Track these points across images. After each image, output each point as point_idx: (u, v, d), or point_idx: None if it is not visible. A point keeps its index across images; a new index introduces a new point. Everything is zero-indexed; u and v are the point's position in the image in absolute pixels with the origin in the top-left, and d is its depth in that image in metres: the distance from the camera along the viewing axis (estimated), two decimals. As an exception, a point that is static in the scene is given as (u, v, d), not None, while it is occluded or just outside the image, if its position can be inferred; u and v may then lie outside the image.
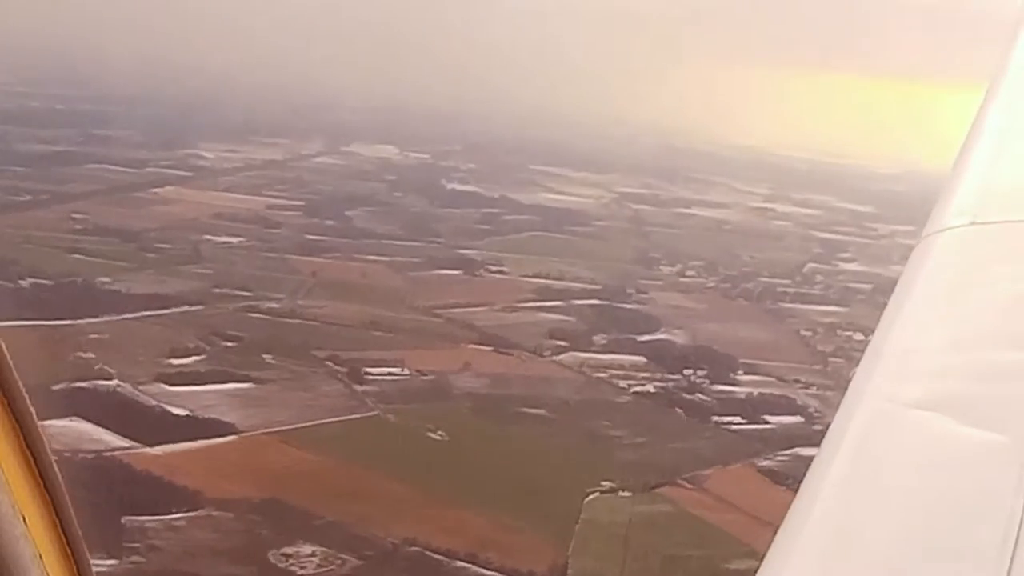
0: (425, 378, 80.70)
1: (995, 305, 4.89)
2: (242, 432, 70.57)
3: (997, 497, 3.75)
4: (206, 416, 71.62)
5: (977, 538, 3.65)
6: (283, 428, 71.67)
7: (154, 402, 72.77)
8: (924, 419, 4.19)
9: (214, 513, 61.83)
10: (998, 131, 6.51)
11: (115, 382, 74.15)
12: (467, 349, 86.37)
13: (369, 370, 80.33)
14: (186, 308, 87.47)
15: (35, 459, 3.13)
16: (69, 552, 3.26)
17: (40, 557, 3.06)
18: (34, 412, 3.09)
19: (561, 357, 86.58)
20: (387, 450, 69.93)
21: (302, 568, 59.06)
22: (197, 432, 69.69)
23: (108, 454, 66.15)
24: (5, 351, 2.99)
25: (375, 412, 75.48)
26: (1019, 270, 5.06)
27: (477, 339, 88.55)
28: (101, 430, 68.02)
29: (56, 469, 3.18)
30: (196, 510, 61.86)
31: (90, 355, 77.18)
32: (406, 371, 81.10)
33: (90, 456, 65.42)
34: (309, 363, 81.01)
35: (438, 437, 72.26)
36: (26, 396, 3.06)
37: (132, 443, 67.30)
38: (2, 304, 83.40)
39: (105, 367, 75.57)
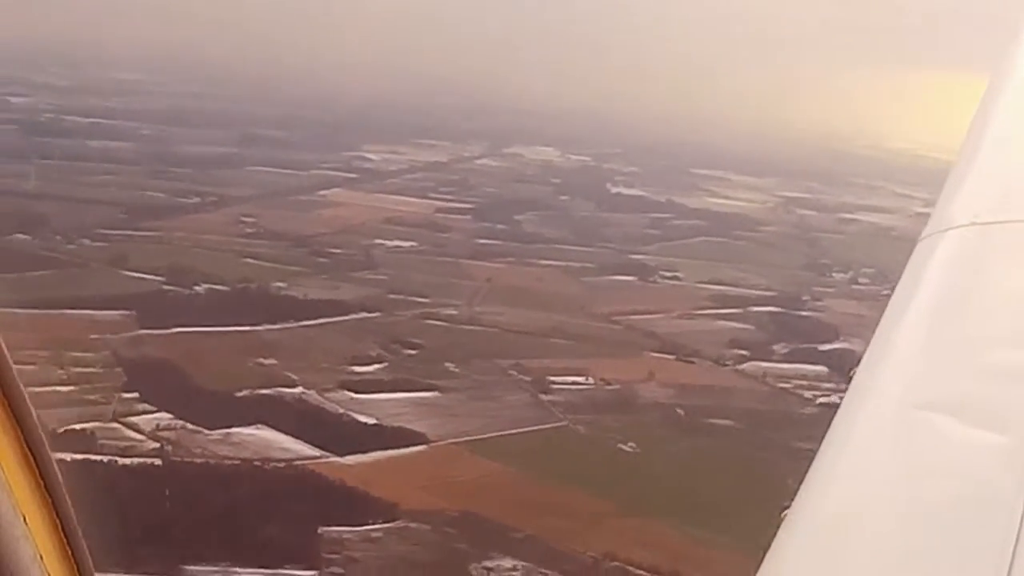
0: (610, 388, 78.28)
1: (996, 305, 4.83)
2: (432, 442, 68.64)
3: (998, 497, 3.73)
4: (394, 425, 69.73)
5: (978, 538, 3.65)
6: (472, 438, 69.69)
7: (341, 410, 71.04)
8: (926, 419, 4.15)
9: (411, 525, 59.90)
10: (999, 130, 6.34)
11: (299, 390, 72.61)
12: (649, 358, 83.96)
13: (553, 379, 78.18)
14: (364, 315, 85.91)
15: (35, 459, 3.06)
16: (69, 552, 3.21)
17: (40, 557, 3.03)
18: (34, 412, 3.02)
19: (743, 367, 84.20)
20: (578, 462, 67.75)
21: (504, 582, 57.25)
22: (386, 441, 67.86)
23: (299, 463, 64.56)
24: (5, 351, 2.93)
25: (564, 423, 73.19)
26: (1020, 270, 4.98)
27: (658, 347, 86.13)
28: (289, 439, 66.49)
29: (56, 469, 3.11)
30: (392, 522, 59.98)
31: (272, 362, 75.84)
32: (591, 380, 78.84)
33: (280, 465, 64.07)
34: (493, 372, 78.96)
35: (629, 449, 69.73)
36: (26, 396, 3.00)
37: (322, 452, 65.61)
38: (179, 310, 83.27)
39: (288, 374, 74.11)
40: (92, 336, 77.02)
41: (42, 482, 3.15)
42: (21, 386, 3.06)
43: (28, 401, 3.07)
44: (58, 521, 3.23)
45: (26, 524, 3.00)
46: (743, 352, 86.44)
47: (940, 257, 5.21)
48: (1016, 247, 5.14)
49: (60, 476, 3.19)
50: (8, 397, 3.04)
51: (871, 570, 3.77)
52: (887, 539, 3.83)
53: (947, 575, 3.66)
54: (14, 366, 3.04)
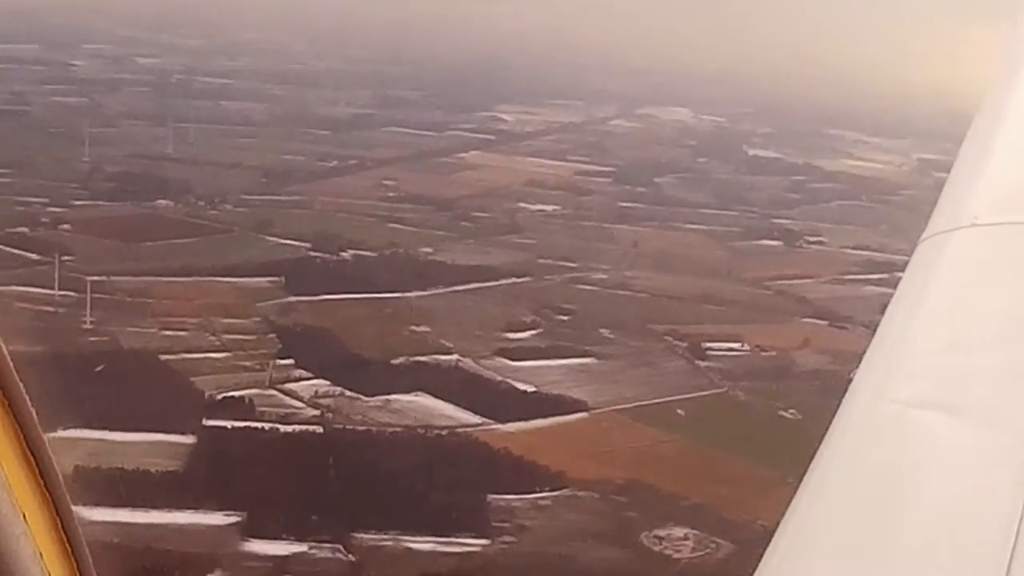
0: (766, 354, 76.63)
1: (996, 307, 4.73)
2: (593, 409, 67.36)
3: (997, 497, 3.75)
4: (554, 392, 68.60)
5: (977, 538, 3.67)
6: (633, 405, 68.29)
7: (498, 378, 70.03)
8: (925, 419, 4.17)
9: (579, 494, 58.85)
10: (999, 131, 6.04)
11: (455, 357, 71.70)
12: (803, 324, 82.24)
13: (709, 345, 76.67)
14: (514, 280, 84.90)
15: (35, 459, 3.09)
16: (69, 551, 3.24)
17: (40, 556, 3.07)
18: (34, 412, 3.05)
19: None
20: (740, 429, 66.29)
21: (677, 551, 55.83)
22: (547, 409, 66.76)
23: (461, 431, 63.62)
24: (5, 351, 2.97)
25: (723, 389, 71.69)
26: (1019, 272, 4.86)
27: (811, 313, 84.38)
28: (449, 406, 65.63)
29: (56, 469, 3.14)
30: (560, 490, 58.99)
31: (425, 329, 75.05)
32: (746, 347, 77.30)
33: (443, 433, 63.18)
34: (647, 338, 77.58)
35: (790, 416, 68.02)
36: (26, 396, 3.03)
37: (484, 420, 64.67)
38: (327, 276, 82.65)
39: (443, 341, 73.27)
40: (243, 303, 76.61)
41: (42, 480, 3.12)
42: (21, 386, 3.01)
43: (28, 401, 3.03)
44: (58, 520, 3.20)
45: (26, 523, 3.00)
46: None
47: (940, 259, 5.16)
48: (1016, 249, 5.03)
49: (60, 476, 3.14)
50: (8, 397, 2.99)
51: (871, 570, 3.74)
52: (886, 539, 3.77)
53: (947, 574, 3.63)
54: (13, 368, 2.99)
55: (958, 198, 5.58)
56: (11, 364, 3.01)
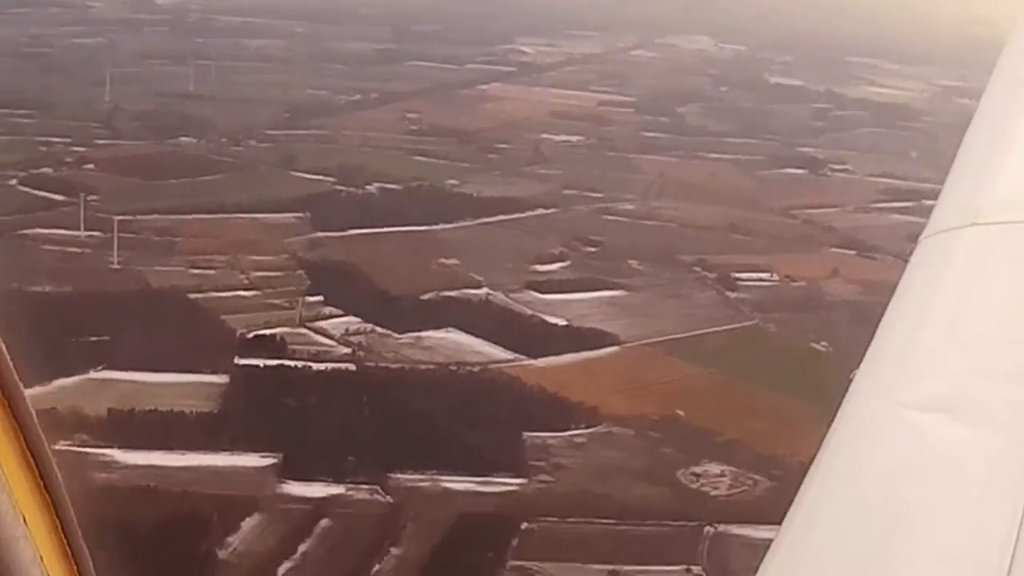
0: (796, 284, 76.29)
1: (996, 306, 4.77)
2: (625, 343, 67.08)
3: (997, 498, 3.74)
4: (585, 326, 68.27)
5: (977, 539, 3.66)
6: (665, 338, 68.07)
7: (529, 312, 69.74)
8: (925, 420, 4.14)
9: (614, 430, 58.67)
10: (999, 130, 6.24)
11: (485, 291, 71.43)
12: (831, 253, 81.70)
13: (738, 276, 76.31)
14: (541, 211, 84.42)
15: (35, 459, 3.06)
16: (69, 552, 3.20)
17: (40, 558, 3.05)
18: (34, 412, 3.01)
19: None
20: (773, 362, 65.94)
21: (715, 488, 55.65)
22: (579, 343, 66.50)
23: (494, 367, 63.37)
24: (5, 351, 2.94)
25: (754, 321, 71.30)
26: (1020, 271, 4.93)
27: (838, 243, 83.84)
28: (481, 341, 65.40)
29: (56, 469, 3.09)
30: (595, 426, 58.82)
31: (454, 262, 74.71)
32: (775, 277, 76.98)
33: (476, 369, 62.95)
34: (676, 269, 77.27)
35: (822, 348, 67.46)
36: (26, 396, 2.99)
37: (516, 355, 64.45)
38: (353, 211, 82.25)
39: (472, 275, 72.96)
40: (270, 239, 76.31)
41: (42, 482, 3.07)
42: (21, 386, 2.96)
43: (28, 401, 2.97)
44: (58, 521, 3.15)
45: (26, 524, 2.98)
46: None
47: (940, 257, 5.20)
48: (1016, 248, 5.05)
49: (60, 476, 3.09)
50: (8, 397, 2.96)
51: (871, 570, 3.71)
52: (886, 539, 3.74)
53: (947, 574, 3.62)
54: (13, 367, 2.94)
55: (958, 197, 5.67)
56: (11, 364, 2.95)
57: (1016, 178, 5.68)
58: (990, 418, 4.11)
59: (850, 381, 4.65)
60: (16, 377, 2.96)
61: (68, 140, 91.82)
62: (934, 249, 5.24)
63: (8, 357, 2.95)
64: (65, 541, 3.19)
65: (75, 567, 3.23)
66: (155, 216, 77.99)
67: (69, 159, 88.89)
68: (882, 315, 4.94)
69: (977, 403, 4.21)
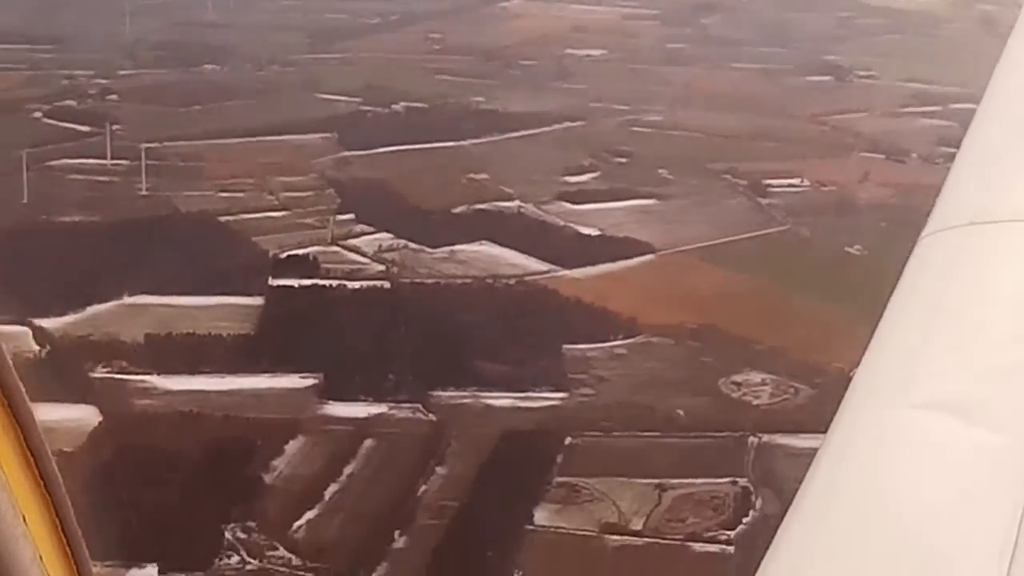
0: (826, 189, 75.80)
1: (995, 305, 4.84)
2: (659, 251, 66.89)
3: (997, 497, 3.73)
4: (618, 235, 68.03)
5: (977, 538, 3.64)
6: (699, 245, 67.87)
7: (561, 222, 69.45)
8: (925, 419, 4.15)
9: (653, 340, 58.41)
10: (998, 131, 6.38)
11: (516, 203, 71.10)
12: (860, 158, 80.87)
13: (769, 182, 75.80)
14: (568, 124, 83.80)
15: (35, 459, 3.08)
16: (69, 552, 3.23)
17: (40, 558, 3.07)
18: (34, 412, 3.03)
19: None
20: (808, 267, 65.58)
21: (756, 397, 55.37)
22: (613, 253, 66.29)
23: (529, 279, 63.22)
24: (5, 352, 2.96)
25: (787, 227, 70.92)
26: (1019, 270, 4.98)
27: (868, 147, 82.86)
28: (515, 253, 65.18)
29: (56, 469, 3.13)
30: (634, 337, 58.51)
31: (484, 176, 74.38)
32: (806, 182, 76.54)
33: (511, 282, 62.75)
34: (707, 177, 76.75)
35: (856, 252, 67.08)
36: (26, 396, 3.00)
37: (551, 266, 64.28)
38: (380, 130, 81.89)
39: (503, 188, 72.55)
40: (298, 161, 76.04)
41: (42, 482, 3.10)
42: (21, 386, 2.97)
43: (28, 401, 3.01)
44: (58, 521, 3.18)
45: (26, 524, 2.99)
46: (952, 150, 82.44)
47: (940, 257, 5.23)
48: (1015, 247, 5.07)
49: (60, 476, 3.13)
50: (8, 397, 2.96)
51: (871, 569, 3.71)
52: (887, 539, 3.73)
53: (947, 574, 3.61)
54: (13, 367, 2.96)
55: (958, 196, 5.79)
56: (11, 364, 2.95)
57: (1015, 178, 5.74)
58: (990, 417, 4.13)
59: (849, 379, 4.68)
60: (16, 377, 2.96)
61: (91, 72, 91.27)
62: (934, 248, 5.31)
63: (7, 357, 2.95)
64: (65, 541, 3.22)
65: (75, 567, 3.26)
66: (181, 143, 77.74)
67: (92, 91, 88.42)
68: (882, 314, 4.98)
69: (977, 402, 4.24)
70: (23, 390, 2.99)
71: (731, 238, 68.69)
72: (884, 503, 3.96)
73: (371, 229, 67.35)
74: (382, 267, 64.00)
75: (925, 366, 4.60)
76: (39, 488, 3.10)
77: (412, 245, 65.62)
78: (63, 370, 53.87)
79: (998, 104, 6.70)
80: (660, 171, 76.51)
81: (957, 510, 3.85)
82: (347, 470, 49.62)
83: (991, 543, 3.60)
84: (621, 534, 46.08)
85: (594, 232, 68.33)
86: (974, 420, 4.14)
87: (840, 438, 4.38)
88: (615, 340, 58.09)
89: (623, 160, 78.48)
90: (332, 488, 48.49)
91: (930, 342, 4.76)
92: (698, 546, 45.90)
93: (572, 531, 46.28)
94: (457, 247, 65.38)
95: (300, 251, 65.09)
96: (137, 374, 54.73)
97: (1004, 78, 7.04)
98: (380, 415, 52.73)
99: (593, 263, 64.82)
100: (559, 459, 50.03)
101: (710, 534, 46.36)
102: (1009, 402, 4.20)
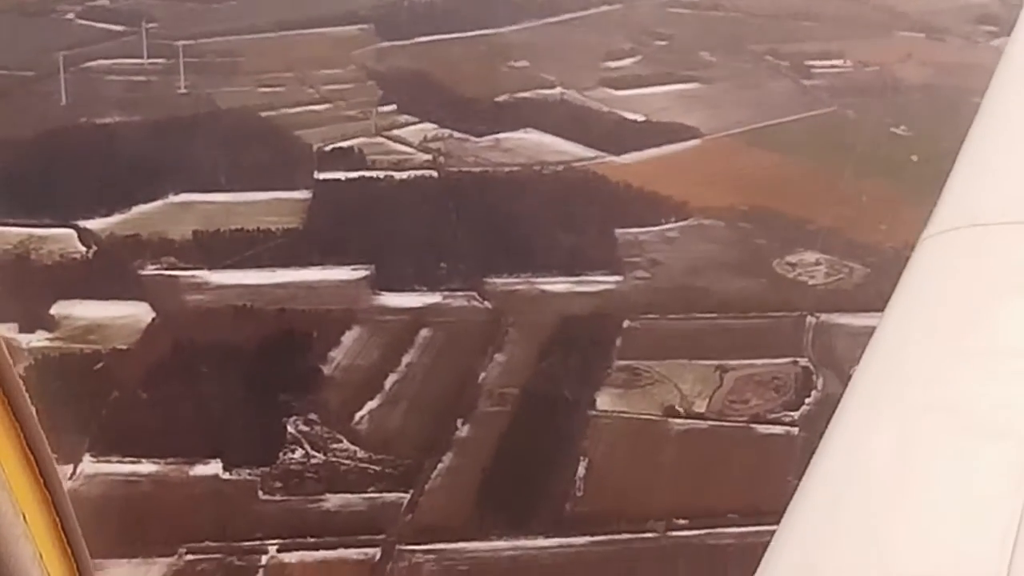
0: (869, 69, 74.95)
1: (995, 307, 4.79)
2: (705, 135, 66.36)
3: (997, 497, 3.74)
4: (664, 120, 67.48)
5: (977, 538, 3.65)
6: (745, 128, 67.30)
7: (606, 108, 68.93)
8: (925, 419, 4.18)
9: (705, 222, 58.19)
10: (998, 132, 6.33)
11: (559, 90, 70.47)
12: (902, 37, 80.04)
13: (812, 63, 75.01)
14: (605, 8, 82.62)
15: (35, 459, 3.09)
16: (69, 551, 3.25)
17: (40, 556, 3.09)
18: (34, 412, 3.03)
19: (995, 43, 79.66)
20: (854, 148, 64.74)
21: (811, 277, 55.15)
22: (660, 137, 65.76)
23: (577, 165, 62.83)
24: (5, 352, 2.96)
25: (832, 108, 70.21)
26: (1019, 271, 4.96)
27: (908, 27, 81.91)
28: (560, 140, 64.75)
29: (56, 469, 3.14)
30: (685, 220, 58.26)
31: (524, 64, 73.70)
32: (848, 63, 75.69)
33: (559, 168, 62.39)
34: (749, 58, 76.03)
35: (901, 132, 66.53)
36: (26, 396, 3.01)
37: (597, 152, 63.92)
38: (416, 19, 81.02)
39: (544, 75, 71.83)
40: (336, 53, 75.37)
41: (42, 482, 3.12)
42: (21, 386, 2.99)
43: (28, 401, 3.01)
44: (58, 521, 3.19)
45: (26, 523, 3.01)
46: (992, 28, 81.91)
47: (940, 259, 5.20)
48: (1014, 249, 5.07)
49: (60, 476, 3.15)
50: (8, 397, 2.98)
51: (871, 569, 3.71)
52: (888, 538, 3.75)
53: (947, 574, 3.63)
54: (13, 368, 2.96)
55: (959, 197, 5.66)
56: (11, 363, 2.94)
57: (1015, 179, 5.71)
58: (990, 418, 4.13)
59: (848, 379, 4.68)
60: (16, 377, 2.96)
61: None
62: (935, 249, 5.24)
63: (8, 357, 2.93)
64: (65, 540, 3.23)
65: (75, 566, 3.26)
66: (217, 39, 76.96)
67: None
68: (882, 313, 4.93)
69: (977, 403, 4.24)
70: (23, 390, 2.99)
71: (777, 120, 68.21)
72: (883, 503, 3.96)
73: (415, 119, 66.92)
74: (428, 157, 63.64)
75: (924, 367, 4.57)
76: (39, 488, 3.11)
77: (457, 134, 65.22)
78: (112, 269, 53.95)
79: (998, 106, 6.55)
80: (702, 53, 75.85)
81: (956, 510, 3.83)
82: (405, 360, 49.36)
83: (991, 544, 3.59)
84: (685, 417, 45.96)
85: (639, 117, 67.80)
86: (973, 421, 4.15)
87: (837, 437, 4.34)
88: (667, 223, 57.93)
89: (663, 43, 77.67)
90: (392, 378, 48.24)
91: (929, 343, 4.74)
92: (763, 428, 45.72)
93: (635, 415, 46.10)
94: (502, 135, 64.95)
95: (344, 144, 64.69)
96: (188, 270, 54.58)
97: (1004, 80, 6.85)
98: (435, 304, 52.58)
99: (640, 148, 64.37)
100: (618, 342, 49.85)
101: (774, 415, 46.22)
102: (1008, 403, 4.16)
